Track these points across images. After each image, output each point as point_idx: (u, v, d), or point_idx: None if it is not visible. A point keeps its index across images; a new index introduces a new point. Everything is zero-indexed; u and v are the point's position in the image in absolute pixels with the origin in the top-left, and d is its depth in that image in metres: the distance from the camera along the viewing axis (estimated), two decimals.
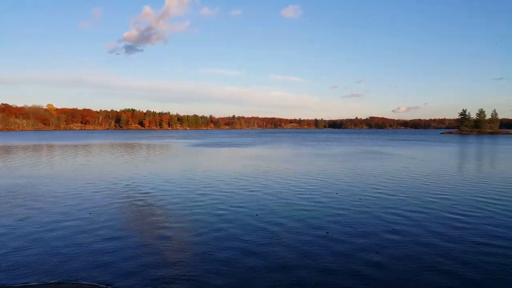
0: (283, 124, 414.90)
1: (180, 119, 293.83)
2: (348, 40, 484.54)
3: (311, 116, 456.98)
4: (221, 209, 13.33)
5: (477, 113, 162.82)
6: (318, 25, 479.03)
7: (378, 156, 39.31)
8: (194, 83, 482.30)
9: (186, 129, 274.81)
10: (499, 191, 17.41)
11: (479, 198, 15.46)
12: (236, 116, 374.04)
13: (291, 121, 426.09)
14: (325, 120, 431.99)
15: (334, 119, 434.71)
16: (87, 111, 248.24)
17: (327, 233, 10.47)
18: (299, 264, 8.19)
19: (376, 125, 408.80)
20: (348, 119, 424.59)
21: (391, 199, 15.36)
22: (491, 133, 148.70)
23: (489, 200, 15.06)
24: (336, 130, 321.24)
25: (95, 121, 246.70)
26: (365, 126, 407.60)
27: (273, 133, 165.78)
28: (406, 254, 8.76)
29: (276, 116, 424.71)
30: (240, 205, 14.13)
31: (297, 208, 13.65)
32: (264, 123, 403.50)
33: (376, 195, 16.26)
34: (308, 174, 23.49)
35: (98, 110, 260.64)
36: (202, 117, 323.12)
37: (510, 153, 44.92)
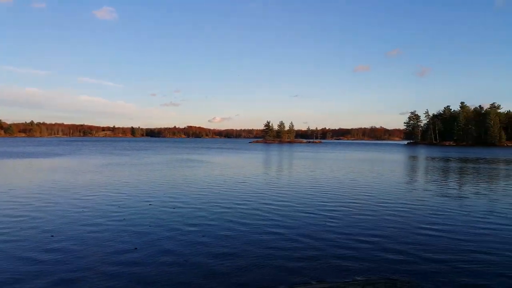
0: (95, 132, 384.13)
1: None
2: (166, 48, 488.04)
3: (127, 124, 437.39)
4: (8, 233, 10.98)
5: (278, 125, 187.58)
6: (135, 31, 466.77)
7: (195, 164, 40.36)
8: None
9: None
10: (291, 192, 20.05)
11: (279, 200, 17.42)
12: (36, 122, 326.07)
13: (103, 129, 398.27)
14: (142, 129, 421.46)
15: (152, 127, 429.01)
16: None
17: (135, 248, 9.81)
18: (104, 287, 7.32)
19: (193, 134, 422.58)
20: (167, 127, 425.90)
21: (203, 207, 15.68)
22: (289, 142, 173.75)
23: (288, 201, 17.12)
24: (154, 138, 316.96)
25: None
26: (183, 135, 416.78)
27: (81, 142, 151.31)
28: (213, 256, 8.94)
29: (86, 123, 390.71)
30: (33, 225, 11.97)
31: (103, 223, 12.42)
32: (71, 131, 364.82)
33: (190, 203, 16.38)
34: (117, 185, 21.99)
35: None
36: None
37: (301, 159, 53.00)
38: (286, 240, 10.64)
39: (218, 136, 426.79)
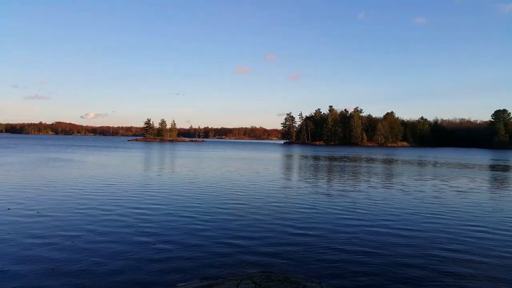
0: None
1: None
2: (29, 33, 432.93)
3: None
4: None
5: (159, 123, 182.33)
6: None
7: (62, 163, 36.62)
8: None
9: None
10: (166, 194, 19.76)
11: (160, 200, 17.01)
12: None
13: None
14: (1, 124, 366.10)
15: (12, 122, 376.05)
16: None
17: None
18: None
19: (63, 131, 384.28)
20: (31, 123, 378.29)
21: (70, 211, 14.28)
22: (171, 141, 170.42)
23: (170, 198, 16.82)
24: (16, 135, 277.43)
25: None
26: (50, 132, 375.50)
27: None
28: (82, 264, 8.33)
29: None
30: None
31: None
32: None
33: (56, 207, 14.81)
34: None
35: None
36: None
37: (183, 158, 52.59)
38: (159, 241, 10.35)
39: (92, 134, 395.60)
